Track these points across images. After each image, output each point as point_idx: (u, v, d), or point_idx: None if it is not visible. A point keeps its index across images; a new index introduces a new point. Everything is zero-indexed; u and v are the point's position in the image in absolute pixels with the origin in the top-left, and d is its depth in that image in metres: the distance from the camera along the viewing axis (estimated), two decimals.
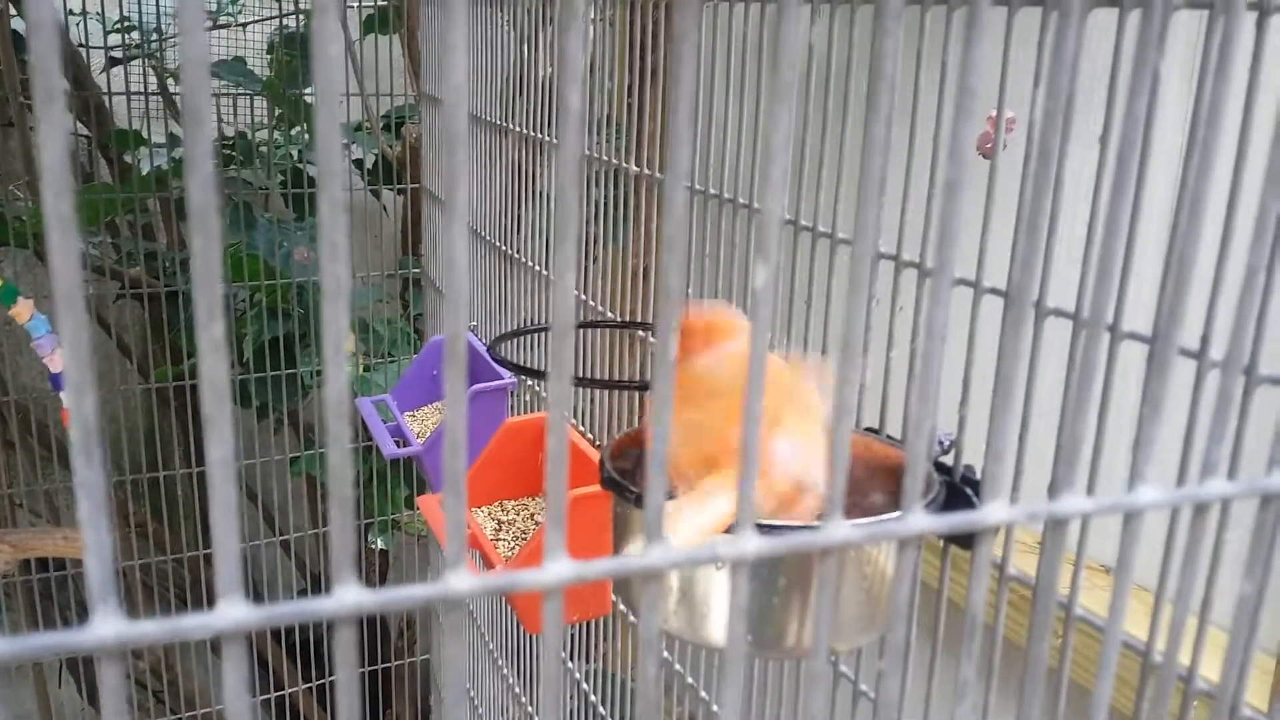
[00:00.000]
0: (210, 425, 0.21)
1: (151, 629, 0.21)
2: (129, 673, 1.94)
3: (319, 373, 1.78)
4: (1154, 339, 0.47)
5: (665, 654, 0.91)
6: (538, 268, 1.17)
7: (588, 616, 0.93)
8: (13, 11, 1.68)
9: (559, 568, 0.23)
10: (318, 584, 2.04)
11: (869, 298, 0.62)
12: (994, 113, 0.57)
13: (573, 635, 1.18)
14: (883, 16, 0.22)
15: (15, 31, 1.68)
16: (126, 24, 1.75)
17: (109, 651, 0.21)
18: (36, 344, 1.15)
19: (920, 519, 0.26)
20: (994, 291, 0.55)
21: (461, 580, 0.23)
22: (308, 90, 1.80)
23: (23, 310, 1.15)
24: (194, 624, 0.22)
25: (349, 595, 0.22)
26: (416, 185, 1.73)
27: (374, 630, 1.96)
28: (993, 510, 0.26)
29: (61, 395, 1.18)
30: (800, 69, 0.66)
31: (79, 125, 1.81)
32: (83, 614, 1.82)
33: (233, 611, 0.22)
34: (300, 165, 1.82)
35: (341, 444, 0.21)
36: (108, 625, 0.21)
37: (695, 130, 0.78)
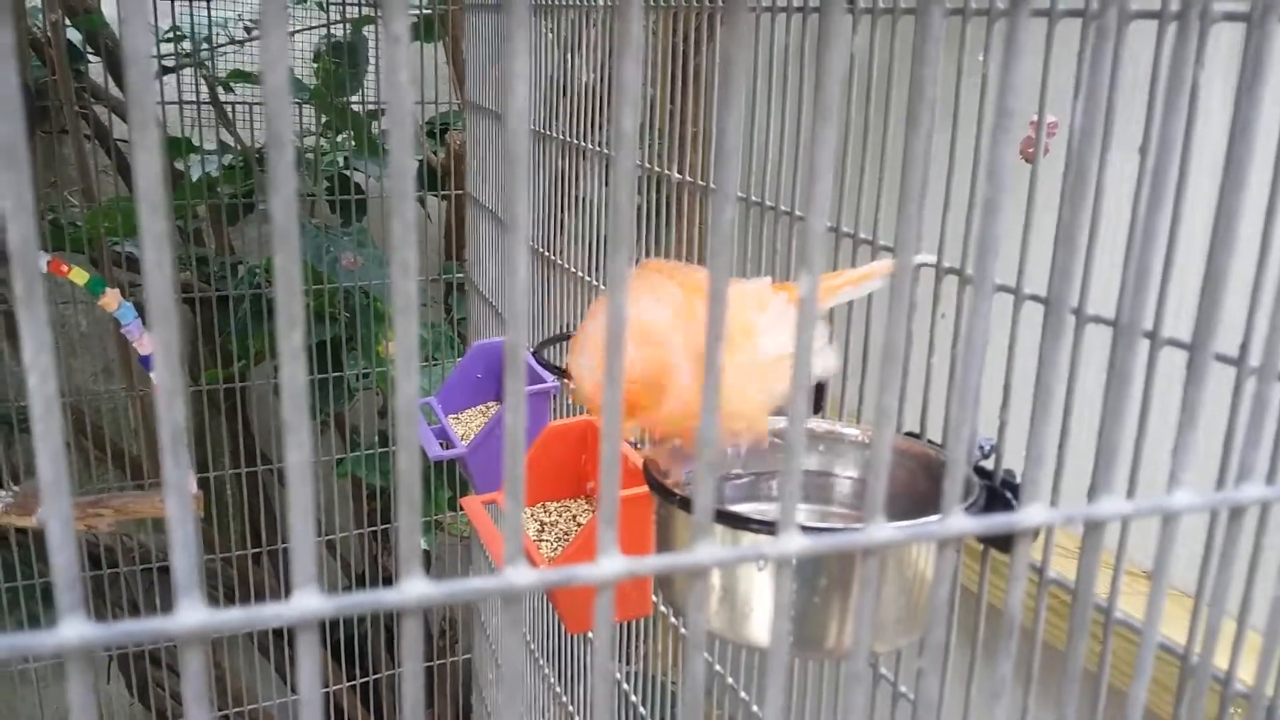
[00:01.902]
0: (289, 430, 0.22)
1: (233, 617, 0.23)
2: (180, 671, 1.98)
3: (365, 375, 1.81)
4: (1192, 346, 0.47)
5: (706, 655, 0.92)
6: (580, 273, 1.18)
7: (629, 617, 0.94)
8: (67, 22, 1.72)
9: (613, 563, 0.24)
10: (361, 584, 2.07)
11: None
12: (1035, 117, 0.58)
13: (614, 636, 1.20)
14: (923, 41, 0.23)
15: (70, 42, 1.73)
16: (177, 33, 1.79)
17: (194, 639, 0.23)
18: (126, 330, 1.21)
19: (959, 520, 0.27)
20: (1034, 298, 0.56)
21: (521, 574, 0.24)
22: (354, 98, 1.83)
23: (110, 299, 1.20)
24: (271, 613, 0.23)
25: (415, 588, 0.24)
26: (460, 191, 1.75)
27: None
28: (1031, 512, 0.27)
29: (152, 375, 1.24)
30: (842, 77, 0.67)
31: None
32: (134, 612, 1.86)
33: (307, 601, 0.23)
34: (346, 172, 1.85)
35: (411, 449, 0.23)
36: (193, 614, 0.23)
37: (741, 150, 0.79)
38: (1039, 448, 0.28)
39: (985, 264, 0.25)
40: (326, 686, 1.99)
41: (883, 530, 0.26)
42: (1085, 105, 0.26)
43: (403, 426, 0.23)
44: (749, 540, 0.50)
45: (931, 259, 0.62)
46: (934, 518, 0.51)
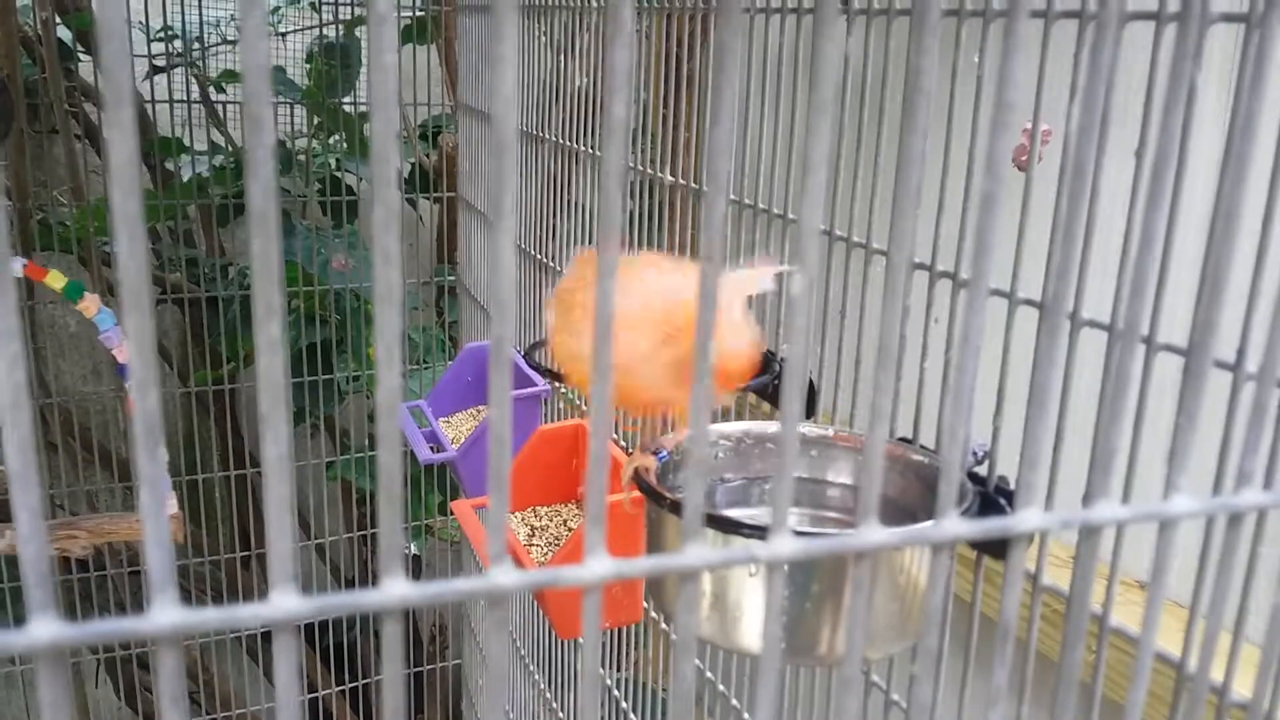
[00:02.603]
0: (266, 424, 0.22)
1: (208, 616, 0.22)
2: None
3: (355, 378, 1.80)
4: (1189, 351, 0.47)
5: (696, 661, 0.91)
6: None
7: (620, 623, 0.94)
8: (57, 20, 1.71)
9: (600, 565, 0.24)
10: (351, 588, 2.06)
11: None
12: (1029, 125, 0.57)
13: (604, 643, 1.19)
14: (920, 34, 0.22)
15: (60, 40, 1.72)
16: (169, 33, 1.78)
17: (168, 639, 0.22)
18: (104, 336, 1.17)
19: (955, 524, 0.26)
20: (1029, 303, 0.55)
21: (505, 575, 0.23)
22: (346, 99, 1.82)
23: (89, 305, 1.17)
24: (248, 613, 0.22)
25: (396, 589, 0.23)
26: (452, 194, 1.75)
27: (406, 635, 1.97)
28: (1027, 517, 0.26)
29: (129, 385, 1.20)
30: (837, 71, 0.67)
31: None
32: (121, 613, 1.85)
33: (285, 602, 0.22)
34: (338, 174, 1.84)
35: (392, 443, 0.22)
36: (167, 613, 0.22)
37: (734, 146, 0.79)
38: (1034, 451, 0.27)
39: (982, 259, 0.25)
40: (316, 691, 1.98)
41: (876, 533, 0.25)
42: (1083, 103, 0.25)
43: (384, 420, 0.22)
44: (740, 544, 0.49)
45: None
46: (928, 523, 0.50)
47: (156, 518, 0.22)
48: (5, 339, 0.19)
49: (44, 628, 0.22)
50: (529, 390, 1.08)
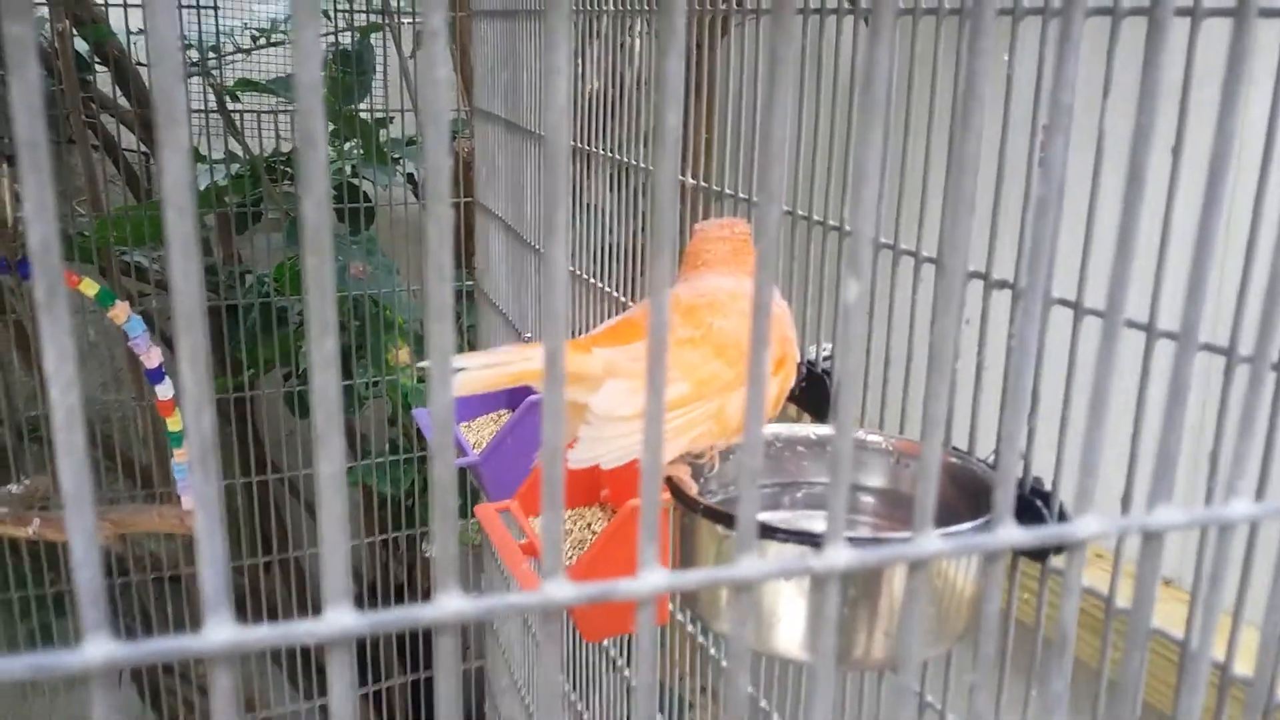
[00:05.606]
0: (321, 440, 0.21)
1: (263, 634, 0.22)
2: (192, 678, 1.97)
3: (374, 384, 1.80)
4: (1230, 350, 0.46)
5: (724, 662, 0.91)
6: (586, 276, 1.17)
7: None
8: (74, 32, 1.72)
9: (655, 577, 0.23)
10: (373, 592, 2.06)
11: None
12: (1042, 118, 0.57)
13: (626, 643, 1.19)
14: (977, 38, 0.22)
15: (77, 52, 1.73)
16: (185, 43, 1.78)
17: (223, 656, 0.22)
18: (133, 343, 1.20)
19: (1011, 531, 0.26)
20: (1062, 302, 0.55)
21: (560, 589, 0.23)
22: (361, 106, 1.82)
23: (120, 312, 1.19)
24: (303, 630, 0.22)
25: (452, 603, 0.23)
26: (469, 199, 1.75)
27: (428, 637, 1.97)
28: (1085, 523, 0.26)
29: (158, 389, 1.23)
30: (888, 79, 0.66)
31: (140, 143, 1.85)
32: (145, 621, 1.86)
33: (341, 618, 0.22)
34: (354, 180, 1.85)
35: (447, 456, 0.22)
36: (222, 631, 0.22)
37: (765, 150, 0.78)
38: (1091, 457, 0.27)
39: (1038, 266, 0.24)
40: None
41: (932, 541, 0.25)
42: (1141, 105, 0.25)
43: (439, 433, 0.22)
44: (775, 550, 0.49)
45: None
46: (964, 526, 0.50)
47: (211, 537, 0.21)
48: (60, 361, 0.19)
49: (99, 647, 0.22)
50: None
